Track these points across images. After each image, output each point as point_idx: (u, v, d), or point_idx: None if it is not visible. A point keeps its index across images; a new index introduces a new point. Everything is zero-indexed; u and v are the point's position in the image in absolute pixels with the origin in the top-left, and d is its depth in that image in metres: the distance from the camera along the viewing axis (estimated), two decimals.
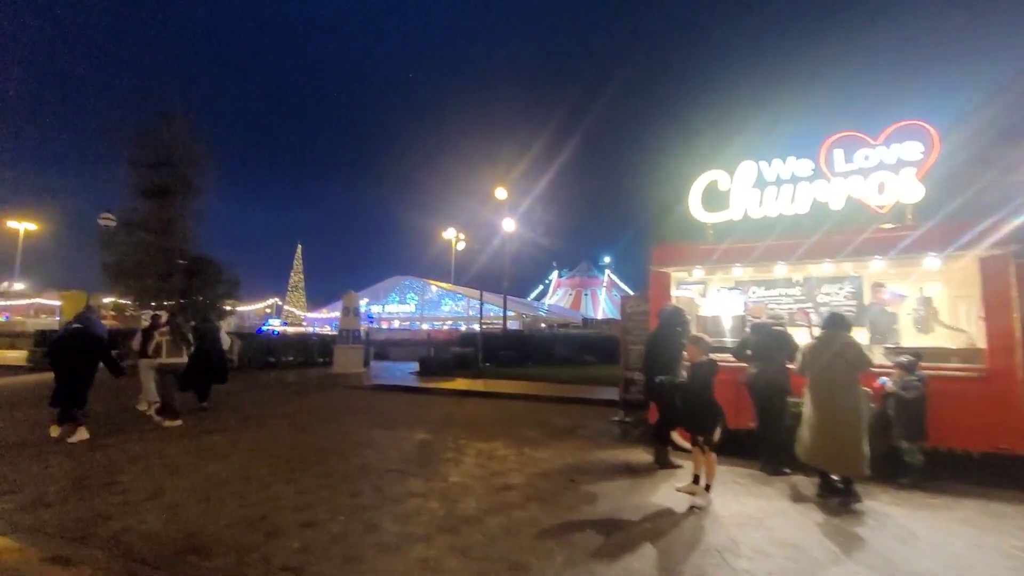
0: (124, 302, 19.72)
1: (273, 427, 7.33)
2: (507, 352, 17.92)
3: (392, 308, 53.87)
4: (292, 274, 47.69)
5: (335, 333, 18.34)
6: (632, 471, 5.14)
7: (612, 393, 9.47)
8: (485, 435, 6.84)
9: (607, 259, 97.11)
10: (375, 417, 8.32)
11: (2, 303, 42.98)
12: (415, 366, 15.83)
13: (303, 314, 51.98)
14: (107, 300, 21.91)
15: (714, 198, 6.42)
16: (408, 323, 48.50)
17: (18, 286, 41.94)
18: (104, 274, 17.44)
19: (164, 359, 7.66)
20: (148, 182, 18.13)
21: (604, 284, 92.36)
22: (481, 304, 24.25)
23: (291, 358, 18.11)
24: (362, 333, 17.88)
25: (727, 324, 6.85)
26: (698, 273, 7.01)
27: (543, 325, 45.97)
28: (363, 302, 55.76)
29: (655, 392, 5.11)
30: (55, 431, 6.39)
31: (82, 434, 6.28)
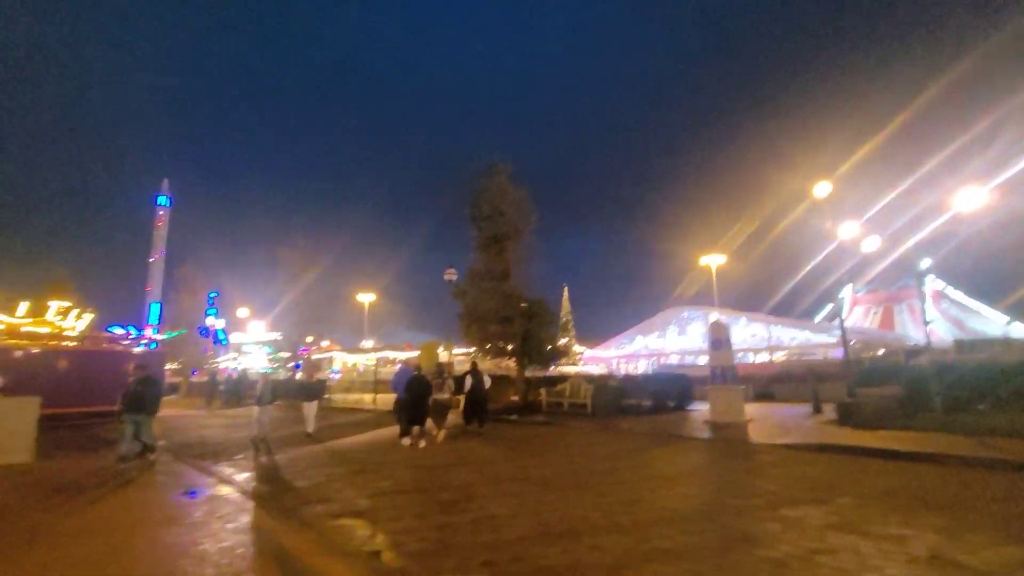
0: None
1: None
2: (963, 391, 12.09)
3: (671, 341, 50.04)
4: (562, 313, 48.94)
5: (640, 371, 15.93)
6: None
7: None
8: None
9: (926, 263, 74.27)
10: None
11: (358, 357, 55.34)
12: (802, 410, 12.31)
13: (582, 352, 52.45)
14: (458, 350, 24.35)
15: None
16: (690, 356, 43.97)
17: (367, 343, 53.65)
18: (461, 322, 18.62)
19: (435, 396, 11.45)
20: (486, 232, 19.06)
21: (925, 295, 70.23)
22: (841, 324, 18.48)
23: (648, 402, 15.91)
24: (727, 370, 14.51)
25: None
26: None
27: (881, 351, 35.60)
28: (637, 337, 53.57)
29: None
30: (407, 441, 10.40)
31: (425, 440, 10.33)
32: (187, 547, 4.42)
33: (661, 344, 51.20)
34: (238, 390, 24.27)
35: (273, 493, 6.70)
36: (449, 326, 20.21)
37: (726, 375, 13.20)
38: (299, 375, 23.56)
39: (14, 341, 18.56)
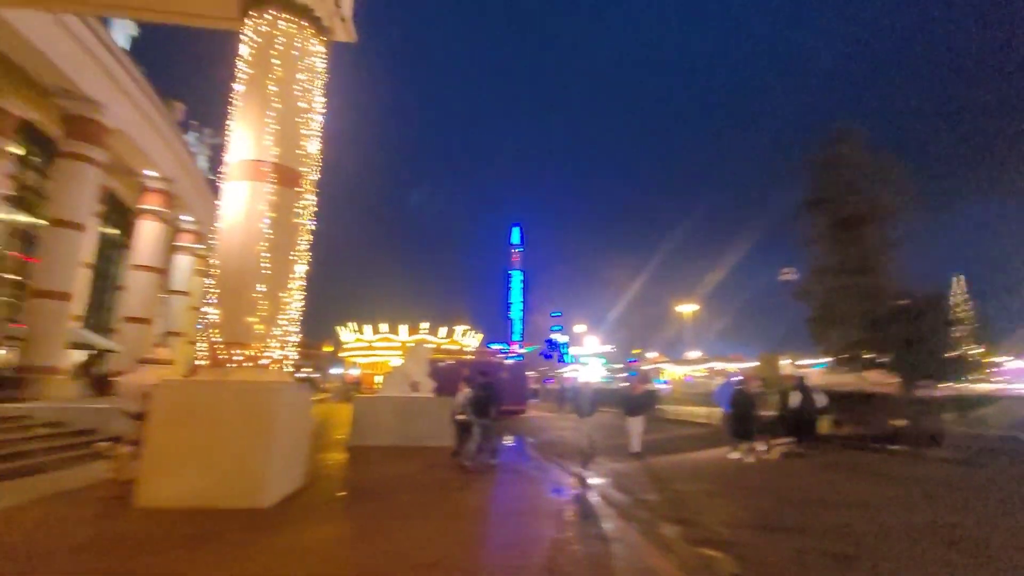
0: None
1: None
2: None
3: None
4: (957, 311, 35.43)
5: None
6: None
7: None
8: None
9: None
10: None
11: (684, 368, 54.33)
12: None
13: (1002, 362, 37.07)
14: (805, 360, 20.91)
15: None
16: None
17: (694, 353, 52.20)
18: (812, 327, 15.68)
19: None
20: (833, 216, 15.61)
21: None
22: None
23: None
24: None
25: None
26: None
27: None
28: None
29: None
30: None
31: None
32: (562, 545, 4.85)
33: None
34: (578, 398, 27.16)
35: (629, 504, 6.87)
36: (785, 335, 17.30)
37: None
38: (624, 386, 24.54)
39: (439, 355, 26.02)
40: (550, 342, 51.30)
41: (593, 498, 6.95)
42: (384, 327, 44.08)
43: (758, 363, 21.41)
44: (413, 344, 19.66)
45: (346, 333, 47.37)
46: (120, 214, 24.53)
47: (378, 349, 44.29)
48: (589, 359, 57.37)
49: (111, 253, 25.13)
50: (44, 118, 16.92)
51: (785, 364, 19.63)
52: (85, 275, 20.05)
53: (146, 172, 21.10)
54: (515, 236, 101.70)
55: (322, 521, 5.70)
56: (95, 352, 19.24)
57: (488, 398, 9.38)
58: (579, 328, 56.85)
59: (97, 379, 16.95)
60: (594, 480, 8.40)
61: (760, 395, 11.26)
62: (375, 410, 12.44)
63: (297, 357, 7.91)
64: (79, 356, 17.98)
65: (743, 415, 10.75)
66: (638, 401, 11.43)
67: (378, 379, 29.48)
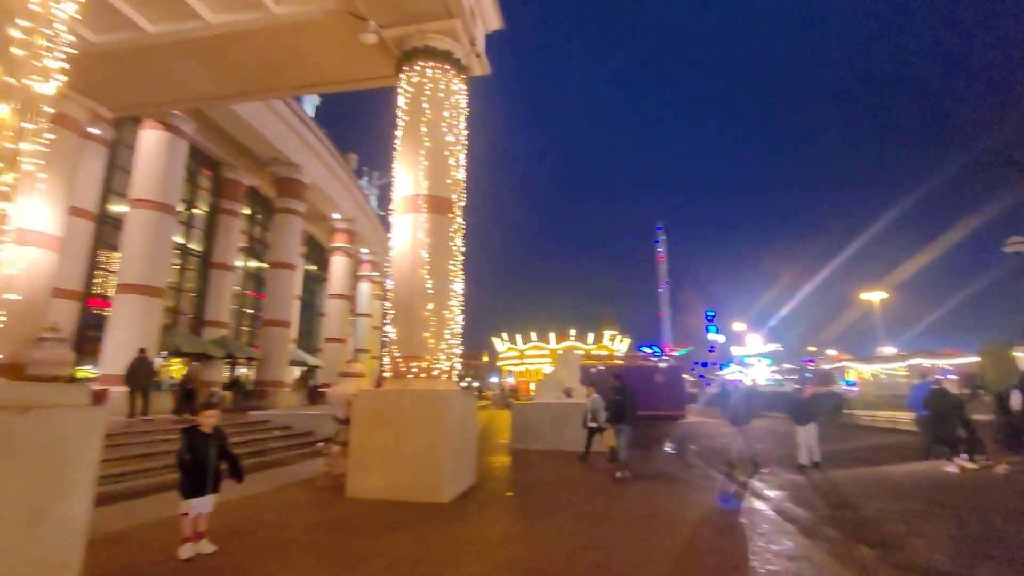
0: None
1: None
2: None
3: None
4: None
5: None
6: None
7: None
8: None
9: None
10: None
11: (877, 367, 45.87)
12: None
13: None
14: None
15: None
16: None
17: (889, 350, 43.80)
18: None
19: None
20: None
21: None
22: None
23: None
24: None
25: None
26: None
27: None
28: None
29: None
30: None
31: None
32: (737, 560, 4.58)
33: None
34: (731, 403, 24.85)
35: (811, 520, 6.18)
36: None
37: None
38: (792, 388, 21.63)
39: (589, 360, 26.11)
40: (712, 347, 47.87)
41: (767, 511, 6.39)
42: (533, 336, 45.64)
43: (979, 358, 17.22)
44: (563, 351, 20.09)
45: (500, 343, 50.18)
46: (317, 252, 29.69)
47: (530, 357, 45.96)
48: (753, 360, 52.01)
49: (313, 286, 30.49)
50: (262, 183, 21.39)
51: (1021, 357, 15.45)
52: (296, 305, 24.69)
53: (334, 216, 25.24)
54: (659, 233, 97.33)
55: (495, 517, 6.23)
56: (307, 368, 23.40)
57: (622, 403, 8.96)
58: (738, 326, 51.97)
59: (311, 390, 20.64)
60: (767, 492, 7.69)
61: (967, 396, 9.59)
62: (531, 416, 13.05)
63: (460, 367, 8.77)
64: (297, 372, 22.08)
65: (942, 419, 9.18)
66: (808, 406, 9.85)
67: (532, 386, 30.65)
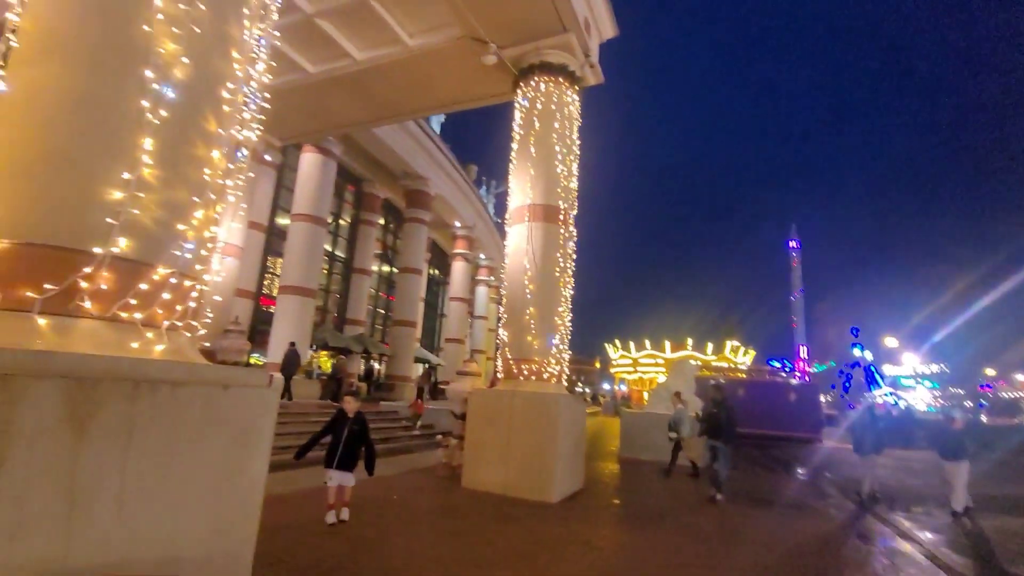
0: None
1: None
2: None
3: None
4: None
5: None
6: None
7: None
8: None
9: None
10: None
11: None
12: None
13: None
14: None
15: None
16: None
17: None
18: None
19: None
20: None
21: None
22: None
23: None
24: None
25: None
26: None
27: None
28: None
29: None
30: None
31: None
32: None
33: None
34: (901, 429, 21.46)
35: (973, 569, 5.31)
36: None
37: None
38: (937, 419, 17.89)
39: (707, 372, 24.60)
40: (856, 364, 41.86)
41: (917, 555, 5.62)
42: (647, 344, 44.09)
43: None
44: (678, 361, 19.23)
45: (613, 351, 49.27)
46: (440, 258, 31.96)
47: (643, 366, 44.49)
48: (910, 381, 44.49)
49: (436, 289, 32.88)
50: (394, 195, 23.65)
51: None
52: (421, 307, 26.81)
53: (455, 224, 27.00)
54: (791, 237, 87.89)
55: (600, 523, 6.32)
56: (429, 365, 25.27)
57: (718, 417, 8.11)
58: (890, 342, 44.70)
59: (432, 386, 22.27)
60: (921, 534, 6.72)
61: None
62: (642, 425, 12.75)
63: (568, 372, 8.97)
64: (420, 368, 23.95)
65: None
66: (958, 440, 7.79)
67: (645, 395, 29.67)
